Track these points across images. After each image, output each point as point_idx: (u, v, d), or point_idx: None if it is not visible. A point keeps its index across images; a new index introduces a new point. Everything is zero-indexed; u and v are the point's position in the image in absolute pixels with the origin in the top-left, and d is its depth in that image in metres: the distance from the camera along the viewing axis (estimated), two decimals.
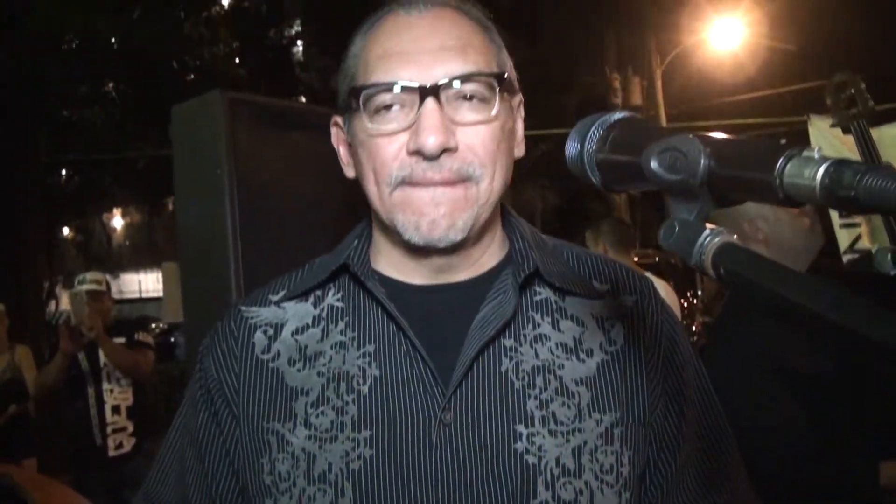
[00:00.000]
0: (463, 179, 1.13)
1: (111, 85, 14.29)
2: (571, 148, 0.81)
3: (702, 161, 0.63)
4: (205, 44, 14.52)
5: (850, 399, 2.35)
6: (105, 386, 5.33)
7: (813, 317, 0.55)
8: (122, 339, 5.40)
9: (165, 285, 19.14)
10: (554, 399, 1.15)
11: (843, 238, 4.76)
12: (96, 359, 5.33)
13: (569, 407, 1.15)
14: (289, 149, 2.67)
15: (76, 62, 12.44)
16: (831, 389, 2.34)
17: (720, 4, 16.64)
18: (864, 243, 4.63)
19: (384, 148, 1.14)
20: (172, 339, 16.80)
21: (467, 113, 1.13)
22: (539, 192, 17.34)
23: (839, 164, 0.53)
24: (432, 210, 1.12)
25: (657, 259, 10.93)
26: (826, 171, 0.53)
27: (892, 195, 0.49)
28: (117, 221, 27.52)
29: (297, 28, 17.95)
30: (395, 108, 1.13)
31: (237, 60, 16.14)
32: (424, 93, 1.10)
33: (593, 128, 0.79)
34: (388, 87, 1.13)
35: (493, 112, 1.14)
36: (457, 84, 1.12)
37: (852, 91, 2.70)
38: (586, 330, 1.21)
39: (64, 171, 15.92)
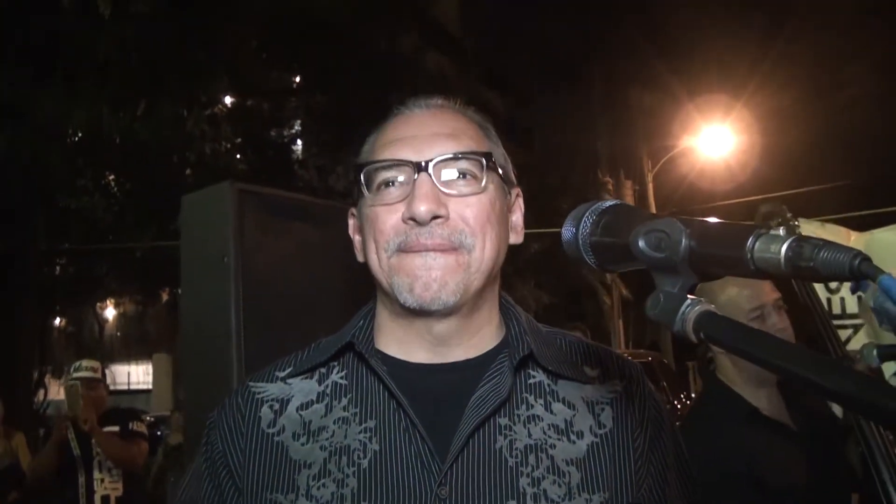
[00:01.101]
0: (455, 247, 1.23)
1: (111, 177, 14.52)
2: (567, 232, 0.90)
3: (683, 241, 0.72)
4: (206, 139, 14.84)
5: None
6: (96, 475, 5.26)
7: (788, 377, 0.62)
8: (115, 428, 5.37)
9: (155, 377, 19.03)
10: (546, 477, 1.20)
11: None
12: (88, 447, 5.28)
13: (560, 485, 1.20)
14: (293, 239, 2.75)
15: (78, 154, 12.67)
16: (793, 499, 2.39)
17: (709, 113, 17.18)
18: (853, 345, 4.67)
19: (383, 217, 1.25)
20: (158, 433, 16.54)
21: (458, 187, 1.25)
22: (532, 291, 17.49)
23: (800, 240, 0.62)
24: (424, 273, 1.22)
25: (650, 358, 10.96)
26: (789, 245, 0.62)
27: (844, 265, 0.58)
28: (109, 312, 27.43)
29: (297, 128, 18.36)
30: (394, 184, 1.25)
31: (238, 156, 16.46)
32: (418, 167, 1.23)
33: (586, 214, 0.88)
34: (387, 164, 1.26)
35: (482, 186, 1.25)
36: (448, 161, 1.24)
37: (779, 220, 2.84)
38: (577, 413, 1.27)
39: (59, 260, 15.99)
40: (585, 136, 18.09)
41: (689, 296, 0.73)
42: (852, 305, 5.16)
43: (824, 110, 17.84)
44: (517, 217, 1.36)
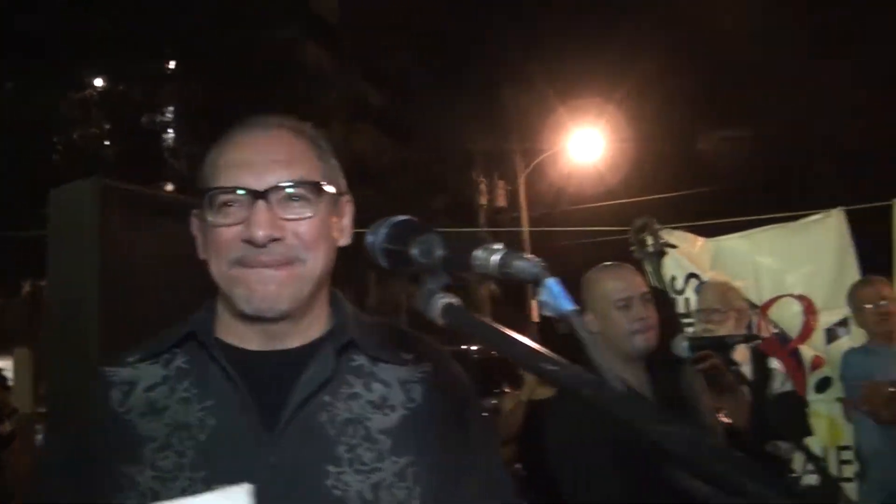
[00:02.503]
0: (290, 261, 1.42)
1: None
2: (368, 238, 1.13)
3: (438, 251, 0.97)
4: (76, 124, 14.43)
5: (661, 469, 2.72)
6: None
7: (501, 353, 0.87)
8: None
9: (17, 372, 18.24)
10: (361, 445, 1.42)
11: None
12: None
13: (372, 451, 1.42)
14: (157, 234, 2.86)
15: None
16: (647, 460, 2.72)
17: (580, 118, 17.86)
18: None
19: (223, 235, 1.42)
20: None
21: (292, 210, 1.43)
22: (404, 287, 17.77)
23: (507, 253, 0.88)
24: (261, 287, 1.41)
25: None
26: (500, 256, 0.88)
27: (530, 271, 0.83)
28: None
29: (169, 115, 17.98)
30: (234, 205, 1.42)
31: (107, 143, 16.02)
32: (256, 195, 1.41)
33: (382, 225, 1.12)
34: (229, 190, 1.43)
35: (314, 210, 1.44)
36: (282, 188, 1.42)
37: (649, 231, 3.27)
38: (392, 390, 1.50)
39: None
40: (462, 135, 18.46)
41: (440, 291, 0.97)
42: (693, 304, 5.69)
43: (688, 120, 18.86)
44: (346, 221, 1.55)
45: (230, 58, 14.97)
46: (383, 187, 16.75)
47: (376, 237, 1.10)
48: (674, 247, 3.60)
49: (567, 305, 0.81)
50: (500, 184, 18.28)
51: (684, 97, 18.90)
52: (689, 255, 6.20)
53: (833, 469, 5.53)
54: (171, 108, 17.48)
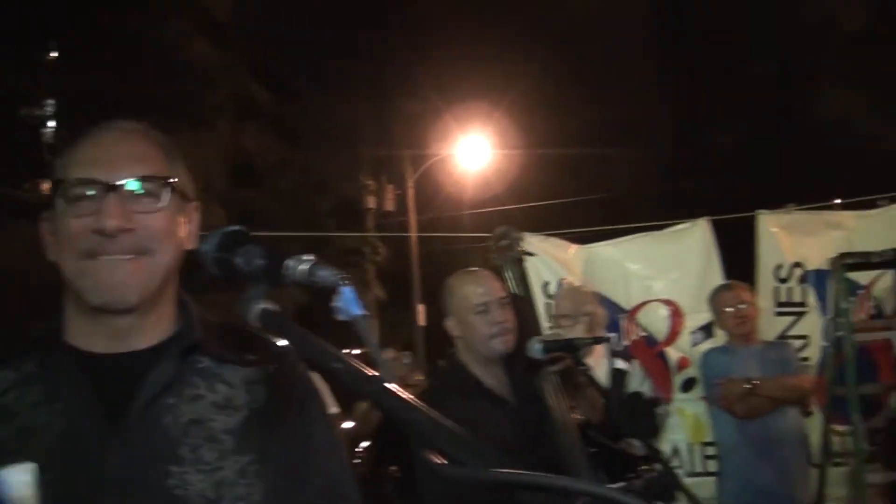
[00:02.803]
0: (138, 252, 1.47)
1: None
2: (202, 246, 1.22)
3: (258, 260, 1.08)
4: None
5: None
6: None
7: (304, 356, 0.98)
8: None
9: None
10: (203, 445, 1.48)
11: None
12: None
13: (214, 451, 1.49)
14: (21, 236, 2.85)
15: None
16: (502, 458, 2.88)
17: (468, 124, 18.15)
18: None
19: (74, 226, 1.46)
20: None
21: (143, 204, 1.49)
22: (289, 291, 17.52)
23: (314, 264, 0.99)
24: (109, 277, 1.46)
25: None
26: (308, 265, 0.99)
27: (330, 280, 0.95)
28: None
29: (49, 108, 17.26)
30: (86, 198, 1.47)
31: None
32: (108, 188, 1.46)
33: (215, 235, 1.21)
34: (81, 183, 1.47)
35: (162, 204, 1.51)
36: (132, 182, 1.48)
37: (508, 239, 3.46)
38: (236, 391, 1.57)
39: None
40: (351, 138, 18.45)
41: (260, 297, 1.08)
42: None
43: (573, 130, 19.42)
44: (193, 227, 1.61)
45: (115, 50, 14.53)
46: (269, 187, 16.60)
47: (208, 246, 1.19)
48: (531, 254, 3.80)
49: (357, 311, 0.93)
50: (389, 188, 18.34)
51: (568, 108, 19.47)
52: (561, 261, 6.40)
53: (698, 464, 5.87)
54: (51, 101, 16.81)
